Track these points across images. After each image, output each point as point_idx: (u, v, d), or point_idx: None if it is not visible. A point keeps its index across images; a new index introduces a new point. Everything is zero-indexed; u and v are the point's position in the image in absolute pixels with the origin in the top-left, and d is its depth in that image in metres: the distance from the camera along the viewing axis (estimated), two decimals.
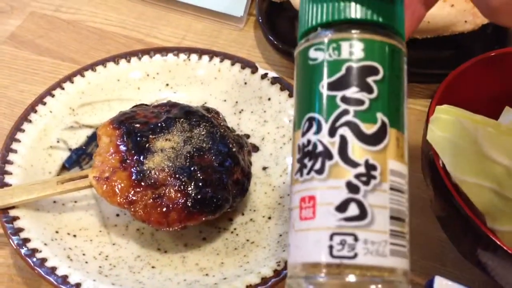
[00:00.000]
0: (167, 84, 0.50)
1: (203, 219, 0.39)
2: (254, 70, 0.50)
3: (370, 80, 0.27)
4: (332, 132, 0.26)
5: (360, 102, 0.26)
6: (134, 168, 0.39)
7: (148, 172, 0.39)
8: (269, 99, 0.49)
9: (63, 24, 0.59)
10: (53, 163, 0.44)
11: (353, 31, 0.27)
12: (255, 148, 0.47)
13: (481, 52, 0.44)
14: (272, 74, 0.49)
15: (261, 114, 0.49)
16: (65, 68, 0.55)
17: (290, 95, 0.48)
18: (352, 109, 0.26)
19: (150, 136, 0.41)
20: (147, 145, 0.40)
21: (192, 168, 0.39)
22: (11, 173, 0.41)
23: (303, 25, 0.29)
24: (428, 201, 0.43)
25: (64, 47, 0.57)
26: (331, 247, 0.25)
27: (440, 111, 0.37)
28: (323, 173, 0.26)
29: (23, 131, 0.44)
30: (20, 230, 0.38)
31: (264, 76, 0.49)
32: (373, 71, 0.27)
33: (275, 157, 0.46)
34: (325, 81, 0.27)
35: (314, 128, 0.27)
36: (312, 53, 0.28)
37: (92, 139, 0.47)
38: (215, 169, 0.40)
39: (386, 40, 0.27)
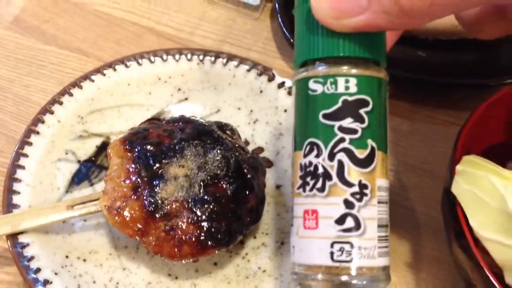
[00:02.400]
0: (179, 89, 0.48)
1: (216, 252, 0.38)
2: (271, 78, 0.47)
3: (362, 111, 0.31)
4: (331, 157, 0.31)
5: (354, 131, 0.31)
6: (147, 198, 0.38)
7: (161, 202, 0.38)
8: (285, 110, 0.47)
9: (70, 6, 0.56)
10: (62, 177, 0.43)
11: (348, 67, 0.31)
12: (269, 163, 0.46)
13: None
14: (290, 83, 0.47)
15: (277, 126, 0.47)
16: (72, 60, 0.52)
17: None
18: (347, 137, 0.31)
19: (163, 161, 0.39)
20: (160, 172, 0.39)
21: (206, 199, 0.38)
22: (19, 193, 0.40)
23: (301, 54, 0.32)
24: (441, 223, 0.42)
25: (71, 34, 0.54)
26: (332, 253, 0.31)
27: (467, 163, 0.35)
28: (324, 192, 0.31)
29: (31, 144, 0.42)
30: (31, 258, 0.38)
31: (281, 85, 0.47)
32: (364, 103, 0.31)
33: (290, 174, 0.45)
34: (324, 111, 0.31)
35: (315, 152, 0.31)
36: (312, 85, 0.32)
37: (102, 149, 0.45)
38: (230, 199, 0.39)
39: (375, 74, 0.32)
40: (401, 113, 0.51)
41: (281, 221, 0.43)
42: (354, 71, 0.31)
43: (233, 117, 0.47)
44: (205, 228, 0.38)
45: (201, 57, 0.48)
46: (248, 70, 0.48)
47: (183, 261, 0.38)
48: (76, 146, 0.44)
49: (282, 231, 0.43)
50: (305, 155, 0.32)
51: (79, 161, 0.44)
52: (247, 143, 0.46)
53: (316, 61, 0.32)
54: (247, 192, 0.40)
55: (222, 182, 0.39)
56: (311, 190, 0.31)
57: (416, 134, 0.50)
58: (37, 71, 0.51)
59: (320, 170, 0.31)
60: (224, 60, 0.48)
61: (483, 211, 0.34)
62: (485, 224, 0.34)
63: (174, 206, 0.38)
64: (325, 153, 0.31)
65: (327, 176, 0.31)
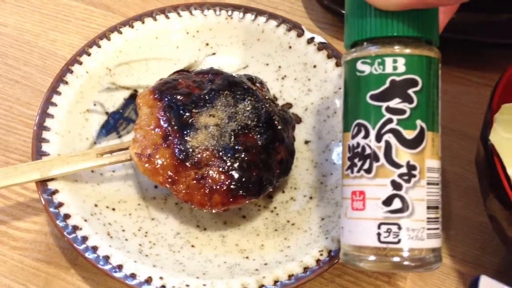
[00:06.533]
0: (207, 44, 0.48)
1: (246, 202, 0.38)
2: (300, 33, 0.47)
3: (410, 91, 0.30)
4: (378, 138, 0.31)
5: (402, 111, 0.30)
6: (177, 146, 0.38)
7: (192, 151, 0.37)
8: (314, 66, 0.46)
9: None
10: (90, 128, 0.43)
11: (396, 47, 0.30)
12: (298, 119, 0.45)
13: None
14: (319, 39, 0.46)
15: (305, 82, 0.46)
16: (98, 16, 0.52)
17: (338, 64, 0.45)
18: (395, 117, 0.30)
19: (193, 110, 0.39)
20: (190, 121, 0.38)
21: (236, 148, 0.38)
22: (48, 141, 0.40)
23: (351, 35, 0.32)
24: (471, 182, 0.44)
25: None
26: (378, 234, 0.30)
27: (507, 111, 0.34)
28: (371, 173, 0.31)
29: (60, 93, 0.42)
30: (60, 204, 0.37)
31: (310, 40, 0.46)
32: (413, 83, 0.30)
33: (318, 130, 0.44)
34: (371, 92, 0.31)
35: (362, 133, 0.31)
36: (360, 66, 0.31)
37: (129, 102, 0.45)
38: (260, 149, 0.38)
39: (425, 53, 0.31)
40: None
41: (309, 176, 0.43)
42: (402, 50, 0.30)
43: (261, 73, 0.46)
44: (235, 177, 0.37)
45: (229, 12, 0.47)
46: (277, 26, 0.47)
47: (213, 210, 0.38)
48: (104, 98, 0.44)
49: (310, 186, 0.42)
50: (353, 137, 0.32)
51: (107, 113, 0.44)
52: (275, 98, 0.46)
53: (364, 41, 0.31)
54: (277, 144, 0.39)
55: (252, 133, 0.39)
56: (358, 171, 0.31)
57: (446, 94, 0.49)
58: (62, 26, 0.51)
59: (368, 151, 0.31)
60: (253, 16, 0.47)
61: None
62: None
63: (204, 155, 0.37)
64: (373, 134, 0.31)
65: (374, 157, 0.31)
